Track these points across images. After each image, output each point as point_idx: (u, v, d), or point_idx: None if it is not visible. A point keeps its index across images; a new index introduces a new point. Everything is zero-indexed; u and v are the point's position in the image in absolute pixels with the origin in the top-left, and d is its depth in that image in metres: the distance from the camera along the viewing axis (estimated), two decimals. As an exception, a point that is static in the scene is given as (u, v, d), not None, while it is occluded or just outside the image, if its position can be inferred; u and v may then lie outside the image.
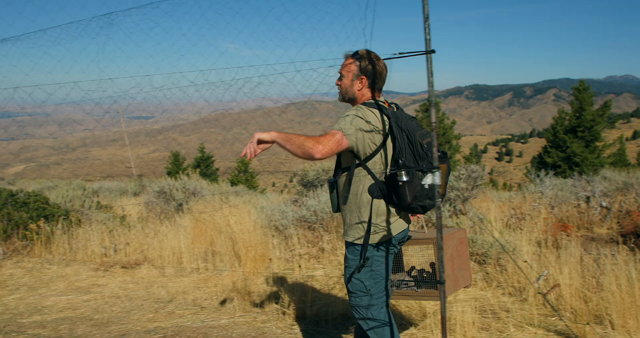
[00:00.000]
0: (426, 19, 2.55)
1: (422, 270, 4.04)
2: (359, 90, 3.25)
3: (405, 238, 3.40)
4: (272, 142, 3.04)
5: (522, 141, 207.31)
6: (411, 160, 3.08)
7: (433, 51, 2.56)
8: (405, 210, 3.21)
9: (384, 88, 3.28)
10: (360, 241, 3.19)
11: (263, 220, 8.18)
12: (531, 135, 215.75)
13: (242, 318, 4.98)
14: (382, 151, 3.14)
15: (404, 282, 3.93)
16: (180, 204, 9.96)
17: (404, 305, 4.98)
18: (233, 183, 30.75)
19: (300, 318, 4.89)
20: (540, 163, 39.91)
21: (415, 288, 3.88)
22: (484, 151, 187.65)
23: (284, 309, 5.02)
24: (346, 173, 3.25)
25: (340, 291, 5.47)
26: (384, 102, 3.25)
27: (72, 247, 8.02)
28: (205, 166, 41.21)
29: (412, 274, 4.05)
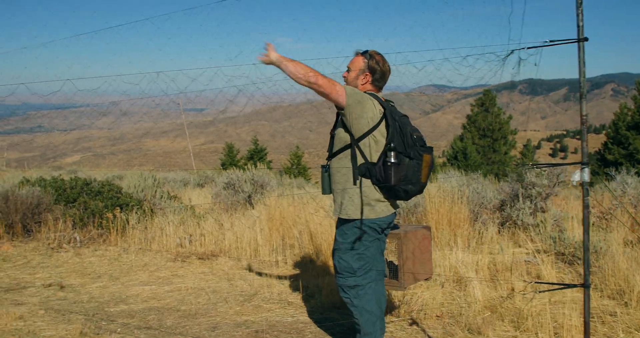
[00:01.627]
0: (579, 4, 2.36)
1: (391, 262, 4.28)
2: (362, 84, 3.61)
3: (391, 225, 3.69)
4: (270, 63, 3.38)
5: (577, 137, 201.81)
6: (400, 147, 3.39)
7: (586, 39, 2.37)
8: (389, 193, 3.48)
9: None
10: (349, 216, 3.49)
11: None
12: (587, 131, 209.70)
13: (332, 314, 4.88)
14: (373, 135, 3.43)
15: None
16: (250, 196, 9.94)
17: (499, 305, 4.79)
18: (294, 176, 30.78)
19: (391, 315, 4.76)
20: (600, 160, 38.73)
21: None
22: (538, 147, 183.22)
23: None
24: (338, 154, 3.55)
25: (429, 289, 5.31)
26: (381, 98, 3.59)
27: (146, 236, 8.08)
28: (258, 158, 41.41)
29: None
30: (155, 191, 9.78)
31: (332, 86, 3.31)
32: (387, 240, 4.15)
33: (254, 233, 7.30)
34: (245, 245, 7.18)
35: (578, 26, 2.40)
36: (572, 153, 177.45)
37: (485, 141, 42.94)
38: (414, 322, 4.62)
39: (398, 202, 3.82)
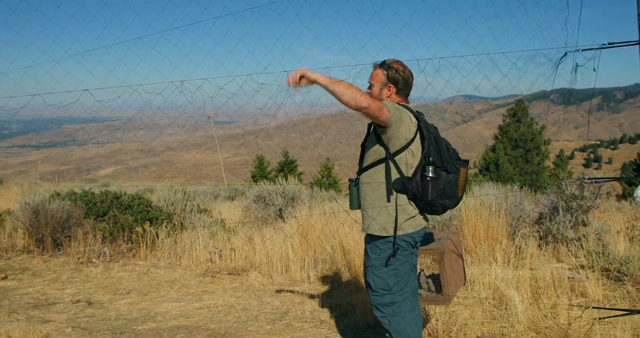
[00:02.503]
0: (641, 1, 2.15)
1: (432, 275, 4.12)
2: (387, 97, 3.47)
3: (422, 238, 3.55)
4: (313, 82, 3.15)
5: (611, 147, 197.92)
6: (437, 160, 3.28)
7: (648, 39, 2.15)
8: (425, 208, 3.39)
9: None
10: (381, 233, 3.34)
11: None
12: (621, 141, 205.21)
13: (366, 334, 4.67)
14: (409, 149, 3.30)
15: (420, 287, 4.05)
16: (280, 210, 9.78)
17: (543, 325, 4.53)
18: (325, 188, 30.60)
19: (429, 335, 4.53)
20: (636, 170, 37.79)
21: (421, 292, 4.03)
22: (571, 157, 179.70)
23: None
24: (371, 169, 3.41)
25: (467, 307, 5.07)
26: (413, 109, 3.46)
27: (176, 251, 7.96)
28: (289, 170, 41.25)
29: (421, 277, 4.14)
30: (185, 205, 9.68)
31: (379, 108, 3.12)
32: (422, 255, 4.02)
33: (285, 248, 7.13)
34: (276, 260, 7.01)
35: (639, 27, 2.18)
36: (605, 163, 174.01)
37: (517, 151, 42.22)
38: (453, 343, 4.39)
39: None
